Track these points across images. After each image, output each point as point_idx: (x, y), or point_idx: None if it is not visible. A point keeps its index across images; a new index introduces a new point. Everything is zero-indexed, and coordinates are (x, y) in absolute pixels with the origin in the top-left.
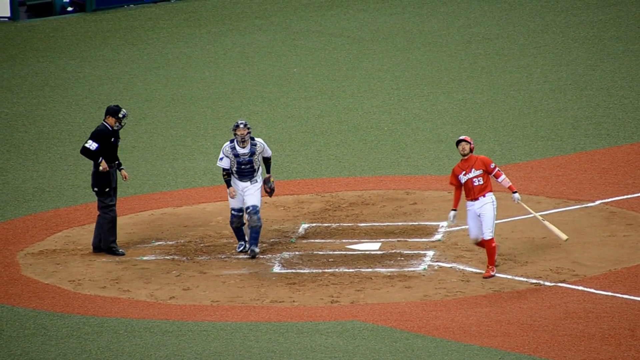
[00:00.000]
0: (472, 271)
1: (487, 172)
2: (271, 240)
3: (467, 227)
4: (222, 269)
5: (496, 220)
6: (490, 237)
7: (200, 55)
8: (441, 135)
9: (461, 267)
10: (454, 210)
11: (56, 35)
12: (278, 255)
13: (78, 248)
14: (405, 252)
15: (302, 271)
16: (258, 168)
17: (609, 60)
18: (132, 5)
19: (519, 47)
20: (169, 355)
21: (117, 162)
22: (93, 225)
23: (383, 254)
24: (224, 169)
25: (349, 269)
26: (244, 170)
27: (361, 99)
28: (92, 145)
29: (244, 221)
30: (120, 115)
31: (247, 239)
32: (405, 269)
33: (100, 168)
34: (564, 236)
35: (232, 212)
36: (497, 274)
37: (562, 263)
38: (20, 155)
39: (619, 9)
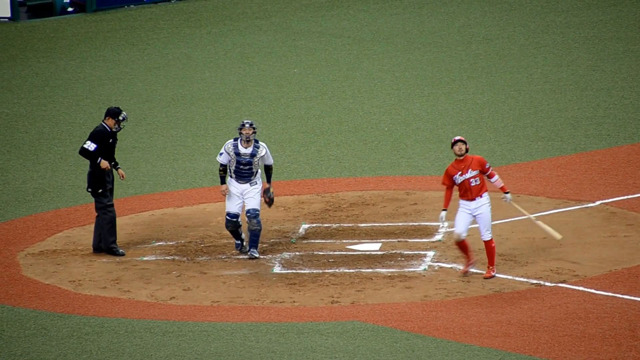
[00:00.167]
0: (472, 272)
1: (482, 172)
2: (271, 240)
3: (476, 225)
4: (223, 270)
5: (496, 220)
6: (489, 238)
7: (201, 56)
8: (441, 135)
9: (461, 267)
10: (445, 210)
11: (56, 36)
12: (278, 255)
13: (78, 248)
14: (406, 252)
15: (302, 271)
16: (257, 171)
17: (610, 61)
18: (132, 6)
19: (519, 47)
20: (169, 355)
21: (113, 162)
22: (93, 226)
23: (383, 254)
24: (221, 165)
25: (349, 269)
26: (243, 170)
27: (361, 100)
28: (90, 146)
29: (240, 223)
30: (120, 118)
31: (244, 238)
32: (406, 270)
33: (102, 166)
34: (558, 235)
35: (227, 216)
36: (497, 275)
37: (562, 263)
38: (21, 155)
39: (619, 10)
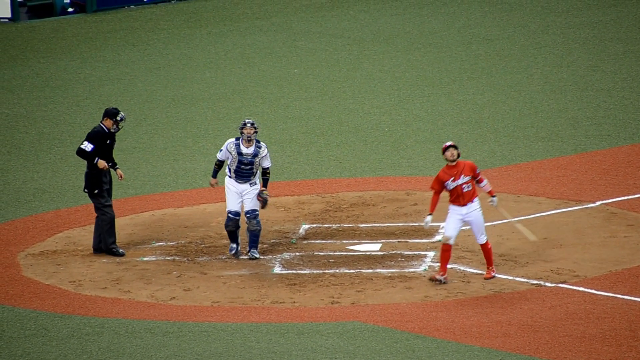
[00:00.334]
0: (472, 272)
1: (473, 178)
2: (272, 241)
3: (467, 228)
4: (223, 270)
5: (496, 221)
6: (484, 241)
7: (201, 56)
8: (442, 136)
9: (462, 267)
10: (431, 215)
11: (57, 36)
12: (279, 256)
13: (79, 249)
14: (406, 253)
15: (302, 272)
16: (257, 172)
17: (610, 61)
18: (132, 6)
19: (519, 48)
20: (169, 356)
21: (111, 163)
22: (94, 227)
23: (384, 254)
24: (218, 160)
25: (349, 269)
26: (244, 170)
27: (362, 100)
28: (87, 146)
29: (239, 225)
30: (118, 119)
31: (239, 243)
32: (406, 270)
33: (100, 166)
34: (533, 237)
35: (229, 214)
36: (497, 275)
37: (562, 264)
38: (21, 156)
39: (619, 10)
